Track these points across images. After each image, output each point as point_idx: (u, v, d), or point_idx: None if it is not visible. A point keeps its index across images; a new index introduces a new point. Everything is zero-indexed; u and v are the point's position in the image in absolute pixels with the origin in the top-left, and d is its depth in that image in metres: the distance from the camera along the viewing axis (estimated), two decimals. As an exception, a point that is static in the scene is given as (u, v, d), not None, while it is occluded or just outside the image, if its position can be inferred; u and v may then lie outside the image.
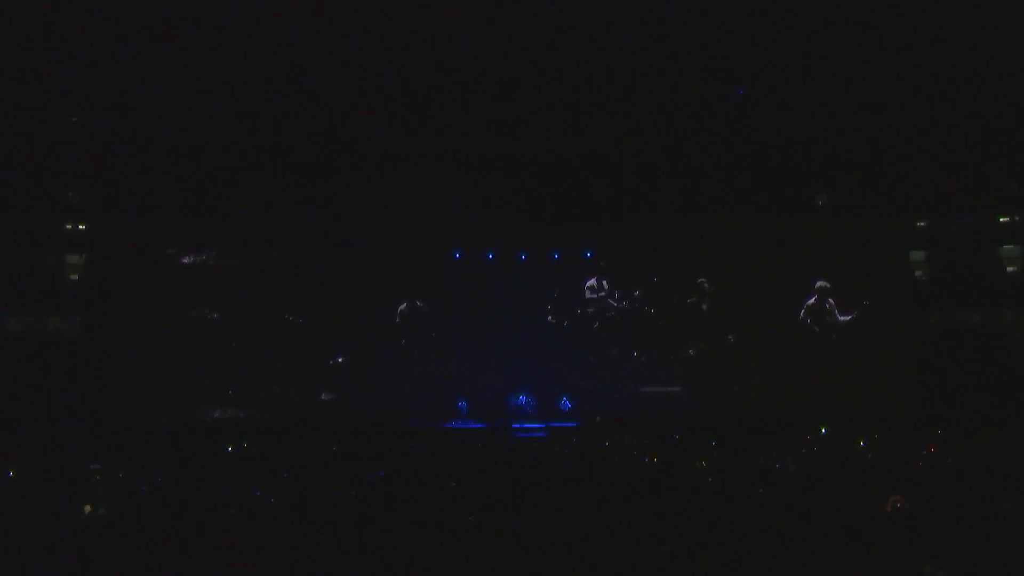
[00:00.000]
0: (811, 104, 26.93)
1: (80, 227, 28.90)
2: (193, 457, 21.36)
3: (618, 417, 25.48)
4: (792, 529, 9.54)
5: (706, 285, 27.92)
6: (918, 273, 28.89)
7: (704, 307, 27.97)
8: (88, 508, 12.02)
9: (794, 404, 26.38)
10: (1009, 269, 29.19)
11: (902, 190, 27.96)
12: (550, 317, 28.14)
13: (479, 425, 26.01)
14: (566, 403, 27.15)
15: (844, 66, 25.79)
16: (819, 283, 27.78)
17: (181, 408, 26.84)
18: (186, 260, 27.71)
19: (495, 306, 27.82)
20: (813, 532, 9.33)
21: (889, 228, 28.04)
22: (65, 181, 28.40)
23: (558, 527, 9.82)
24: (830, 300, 27.79)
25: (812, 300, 27.84)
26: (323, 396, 27.24)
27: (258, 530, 10.08)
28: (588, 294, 28.22)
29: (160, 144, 27.10)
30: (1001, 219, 29.09)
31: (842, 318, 27.73)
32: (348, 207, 27.52)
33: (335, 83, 26.07)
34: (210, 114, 26.62)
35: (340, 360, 27.48)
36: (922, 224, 28.95)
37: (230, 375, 27.53)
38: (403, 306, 27.84)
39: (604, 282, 28.22)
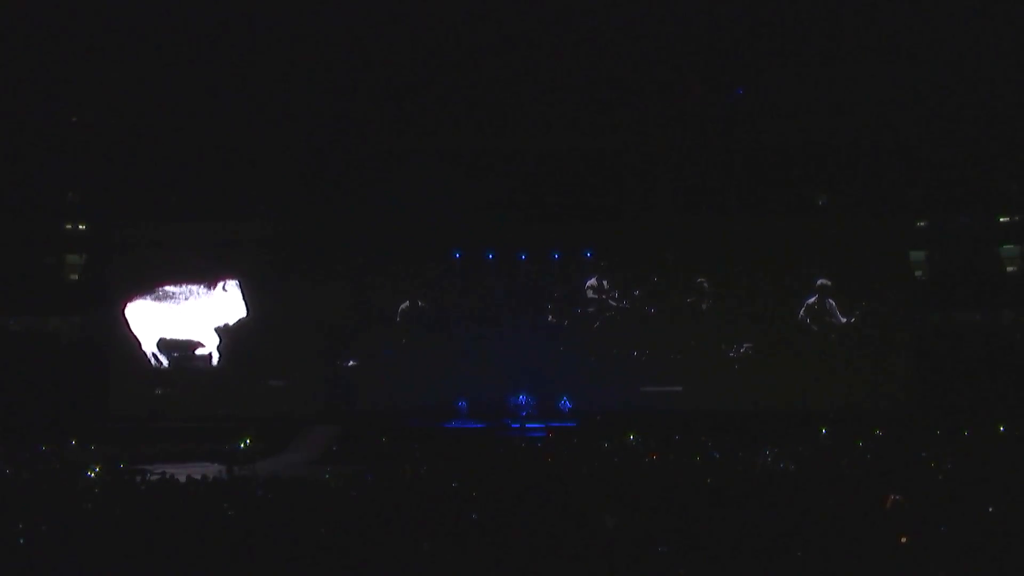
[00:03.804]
0: (811, 104, 26.91)
1: (80, 227, 28.94)
2: (193, 457, 21.38)
3: (618, 417, 25.47)
4: (792, 529, 9.54)
5: (706, 285, 27.96)
6: (918, 273, 28.90)
7: (704, 307, 27.99)
8: (88, 508, 12.03)
9: (794, 404, 26.39)
10: (1009, 269, 29.18)
11: (902, 190, 27.95)
12: (550, 317, 28.17)
13: (479, 425, 26.02)
14: (566, 403, 27.15)
15: (844, 66, 25.77)
16: (820, 282, 27.82)
17: (181, 407, 26.89)
18: (185, 260, 27.75)
19: (495, 306, 27.85)
20: (813, 532, 9.32)
21: (889, 228, 28.06)
22: (65, 181, 28.42)
23: (558, 527, 9.82)
24: (830, 300, 27.81)
25: (812, 299, 27.87)
26: (323, 396, 27.25)
27: (258, 529, 10.08)
28: (588, 294, 28.23)
29: (160, 144, 27.09)
30: (1001, 219, 29.09)
31: (842, 318, 27.75)
32: (348, 207, 27.52)
33: (335, 83, 26.05)
34: (210, 114, 26.61)
35: (340, 360, 27.50)
36: (922, 224, 28.96)
37: (230, 374, 27.59)
38: (403, 306, 27.88)
39: (604, 282, 28.24)
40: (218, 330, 27.71)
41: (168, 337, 27.59)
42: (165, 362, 27.53)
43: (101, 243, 28.18)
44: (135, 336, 27.46)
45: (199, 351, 27.68)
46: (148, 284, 27.57)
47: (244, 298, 27.65)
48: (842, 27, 24.30)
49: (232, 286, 27.65)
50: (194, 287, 27.66)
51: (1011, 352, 27.76)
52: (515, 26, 23.91)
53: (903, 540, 8.70)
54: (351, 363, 27.54)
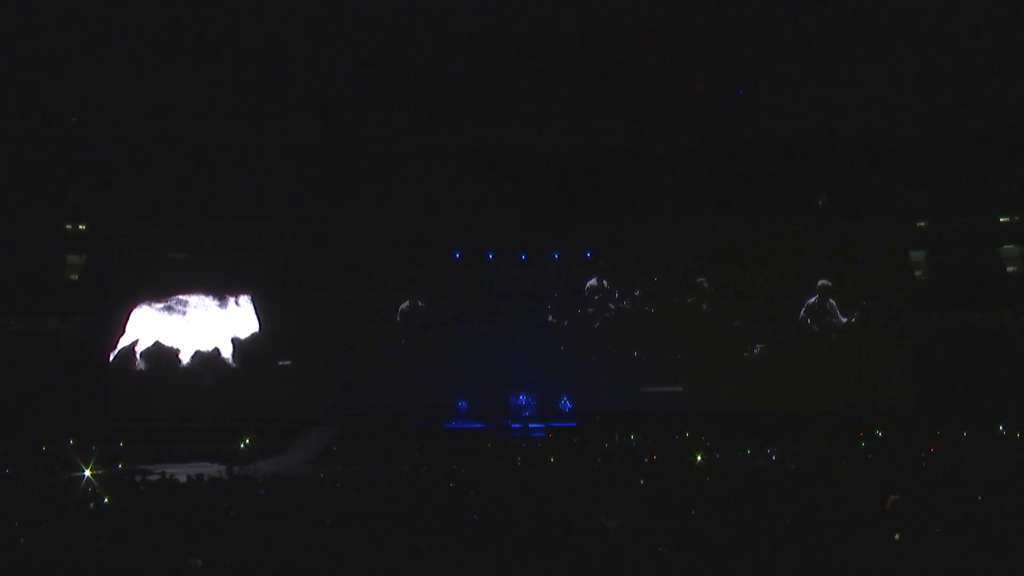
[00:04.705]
0: (811, 104, 26.90)
1: (80, 227, 28.94)
2: (193, 457, 21.40)
3: (618, 417, 25.49)
4: (792, 529, 9.55)
5: (706, 285, 27.97)
6: (918, 273, 28.91)
7: (704, 307, 28.00)
8: (90, 507, 12.04)
9: (794, 404, 26.39)
10: (1009, 269, 29.17)
11: (902, 190, 27.95)
12: (550, 317, 28.17)
13: (479, 425, 26.03)
14: (566, 403, 27.16)
15: (844, 66, 25.76)
16: (820, 282, 27.83)
17: (181, 408, 26.87)
18: (186, 260, 27.76)
19: (495, 306, 27.84)
20: (813, 532, 9.33)
21: (889, 228, 28.08)
22: (65, 181, 28.41)
23: (558, 527, 9.82)
24: (831, 300, 27.82)
25: (813, 300, 27.88)
26: (323, 396, 27.22)
27: (258, 529, 10.09)
28: (588, 294, 28.23)
29: (160, 144, 27.08)
30: (1001, 219, 29.09)
31: (842, 318, 27.76)
32: (348, 207, 27.52)
33: (335, 83, 26.03)
34: (210, 114, 26.60)
35: (341, 360, 27.47)
36: (922, 224, 28.97)
37: (230, 374, 27.58)
38: (403, 306, 27.88)
39: (604, 282, 28.24)
40: (220, 332, 27.71)
41: (172, 340, 27.58)
42: (165, 362, 27.50)
43: (101, 243, 28.17)
44: (137, 339, 27.46)
45: (202, 351, 27.67)
46: (155, 287, 27.57)
47: (256, 308, 27.65)
48: (842, 27, 24.28)
49: (244, 300, 27.66)
50: (202, 296, 27.70)
51: (1011, 352, 27.75)
52: (515, 26, 23.89)
53: (896, 537, 8.71)
54: (351, 363, 27.49)
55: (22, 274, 28.06)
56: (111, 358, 27.33)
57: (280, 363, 27.46)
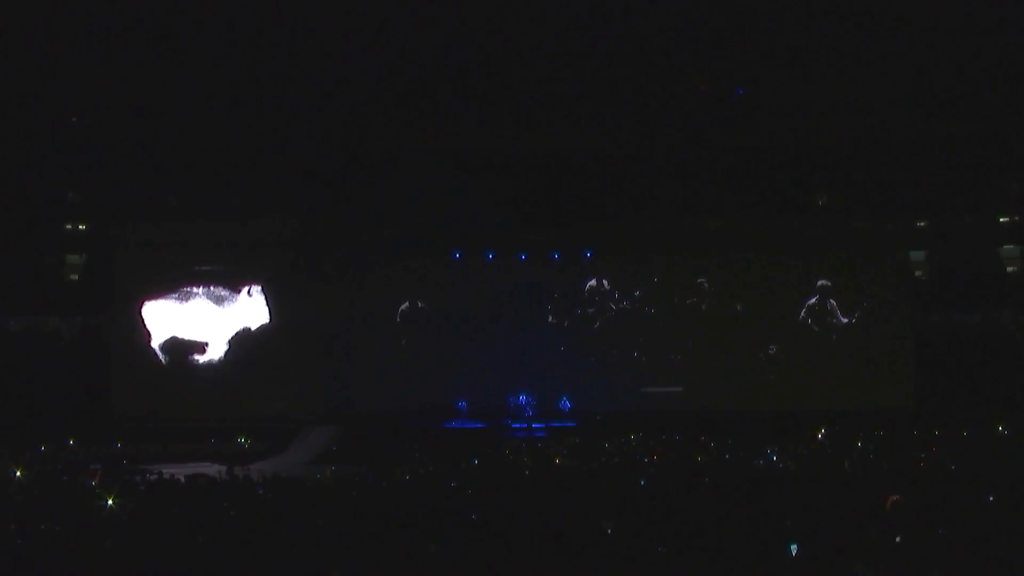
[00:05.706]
0: (811, 104, 26.90)
1: (80, 227, 28.94)
2: (193, 457, 21.42)
3: (618, 417, 25.48)
4: (792, 529, 9.55)
5: (706, 285, 27.96)
6: (918, 273, 28.90)
7: (704, 307, 27.99)
8: (89, 507, 12.04)
9: (794, 404, 26.39)
10: (1009, 269, 29.17)
11: (902, 190, 27.95)
12: (550, 317, 28.16)
13: (479, 425, 26.03)
14: (566, 403, 27.15)
15: (844, 66, 25.76)
16: (820, 282, 27.83)
17: (181, 407, 26.86)
18: (186, 260, 27.76)
19: (495, 306, 27.83)
20: (812, 532, 9.33)
21: (889, 228, 28.09)
22: (65, 181, 28.40)
23: (558, 528, 9.82)
24: (831, 300, 27.82)
25: (813, 300, 27.88)
26: (323, 396, 27.21)
27: (258, 529, 10.09)
28: (588, 294, 28.23)
29: (160, 144, 27.08)
30: (1001, 219, 29.08)
31: (843, 318, 27.76)
32: (348, 207, 27.51)
33: (335, 83, 26.03)
34: (210, 114, 26.59)
35: (340, 360, 27.44)
36: (922, 224, 28.96)
37: (230, 374, 27.58)
38: (403, 306, 27.88)
39: (604, 282, 28.24)
40: (223, 332, 27.70)
41: (177, 337, 27.57)
42: (168, 361, 27.50)
43: (102, 242, 28.17)
44: (145, 334, 27.42)
45: (203, 352, 27.67)
46: (160, 284, 27.57)
47: (268, 303, 27.65)
48: (843, 27, 24.28)
49: (245, 300, 27.68)
50: (204, 289, 27.69)
51: (1011, 352, 27.74)
52: (515, 26, 23.90)
53: (898, 540, 8.71)
54: (351, 363, 27.47)
55: (22, 274, 28.06)
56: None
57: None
